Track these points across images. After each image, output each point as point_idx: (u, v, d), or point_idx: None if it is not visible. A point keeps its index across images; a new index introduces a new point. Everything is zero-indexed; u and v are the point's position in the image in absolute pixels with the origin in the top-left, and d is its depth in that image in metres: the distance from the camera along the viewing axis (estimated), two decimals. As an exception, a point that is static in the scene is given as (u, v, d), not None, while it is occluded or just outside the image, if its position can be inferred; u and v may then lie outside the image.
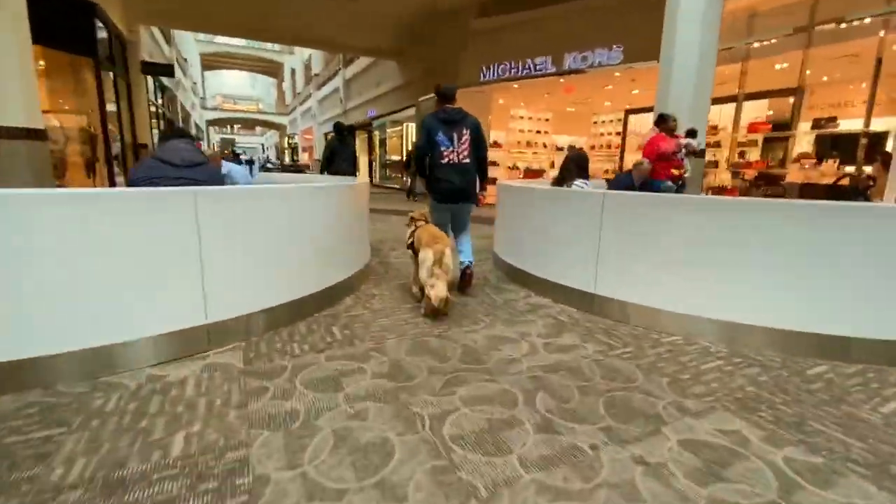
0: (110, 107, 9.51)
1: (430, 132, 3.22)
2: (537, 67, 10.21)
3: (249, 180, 4.88)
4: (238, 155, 20.20)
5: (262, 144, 58.33)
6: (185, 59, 26.08)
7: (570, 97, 12.57)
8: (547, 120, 15.38)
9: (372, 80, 19.06)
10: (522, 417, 1.89)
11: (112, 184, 8.55)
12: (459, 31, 11.57)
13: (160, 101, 15.67)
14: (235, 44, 46.09)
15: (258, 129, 62.62)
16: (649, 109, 6.82)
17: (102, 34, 8.94)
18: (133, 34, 10.83)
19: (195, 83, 34.24)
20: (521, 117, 14.68)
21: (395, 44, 14.89)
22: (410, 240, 3.27)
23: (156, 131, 13.21)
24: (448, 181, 3.27)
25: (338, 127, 7.05)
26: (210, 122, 43.46)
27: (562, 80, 10.23)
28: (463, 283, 3.50)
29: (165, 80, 16.38)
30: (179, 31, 25.91)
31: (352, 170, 6.89)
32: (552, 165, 15.80)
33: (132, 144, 11.21)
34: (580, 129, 15.90)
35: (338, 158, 6.68)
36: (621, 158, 12.86)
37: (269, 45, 49.97)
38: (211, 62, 45.41)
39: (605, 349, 2.64)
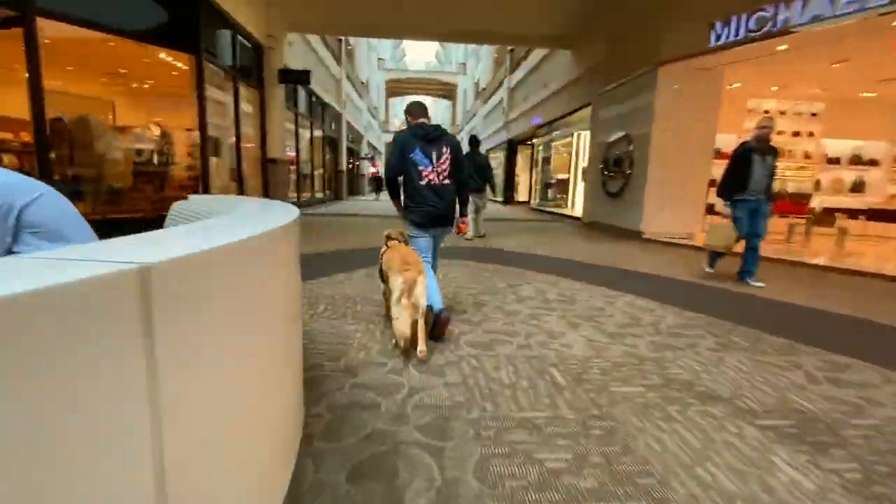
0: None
1: (405, 149, 2.78)
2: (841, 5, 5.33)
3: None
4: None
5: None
6: (363, 83, 27.29)
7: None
8: (814, 115, 9.61)
9: (538, 82, 15.81)
10: None
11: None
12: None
13: (315, 116, 15.33)
14: (416, 69, 49.26)
15: (433, 150, 65.84)
16: None
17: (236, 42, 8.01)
18: (270, 39, 9.86)
19: (376, 107, 36.48)
20: (766, 112, 9.35)
21: (562, 23, 11.25)
22: (380, 264, 2.89)
23: (290, 144, 12.43)
24: (431, 205, 2.82)
25: (472, 139, 7.19)
26: (388, 145, 46.32)
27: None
28: (436, 330, 2.68)
29: (327, 97, 16.16)
30: (359, 54, 27.38)
31: (479, 184, 7.12)
32: (817, 187, 9.89)
33: (261, 158, 10.27)
34: (872, 127, 9.54)
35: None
36: None
37: (446, 68, 52.38)
38: (395, 88, 49.21)
39: None
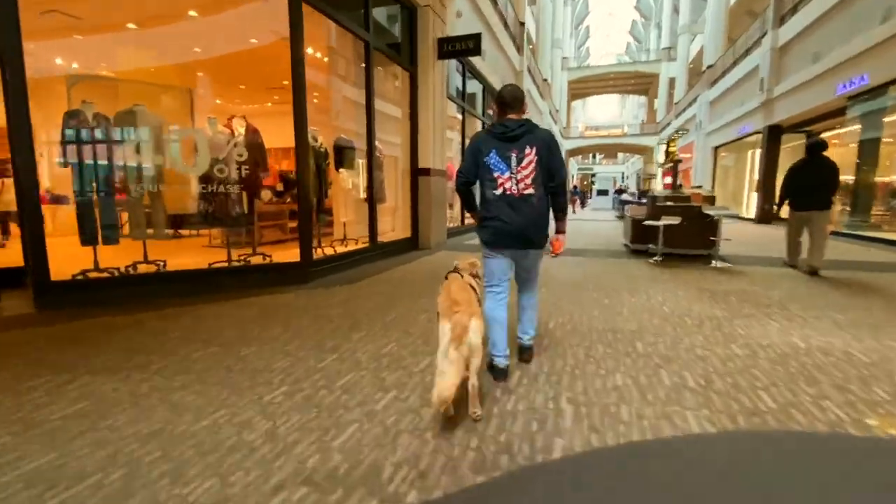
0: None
1: (479, 152, 2.25)
2: None
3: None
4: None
5: (623, 173, 52.88)
6: (546, 80, 23.37)
7: None
8: None
9: (843, 21, 9.18)
10: None
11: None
12: None
13: (488, 116, 11.98)
14: (605, 63, 42.99)
15: (619, 156, 57.87)
16: None
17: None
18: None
19: (557, 110, 32.14)
20: None
21: None
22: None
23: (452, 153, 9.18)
24: (500, 219, 2.22)
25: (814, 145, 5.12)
26: (570, 152, 41.66)
27: None
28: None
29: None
30: (541, 51, 23.53)
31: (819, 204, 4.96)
32: None
33: (409, 170, 7.19)
34: None
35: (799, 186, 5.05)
36: None
37: (643, 57, 44.49)
38: (579, 90, 43.92)
39: None
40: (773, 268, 5.52)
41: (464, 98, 9.62)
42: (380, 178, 6.56)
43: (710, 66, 20.43)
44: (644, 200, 9.38)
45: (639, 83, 41.09)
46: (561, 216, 2.39)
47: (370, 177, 6.04)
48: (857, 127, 9.75)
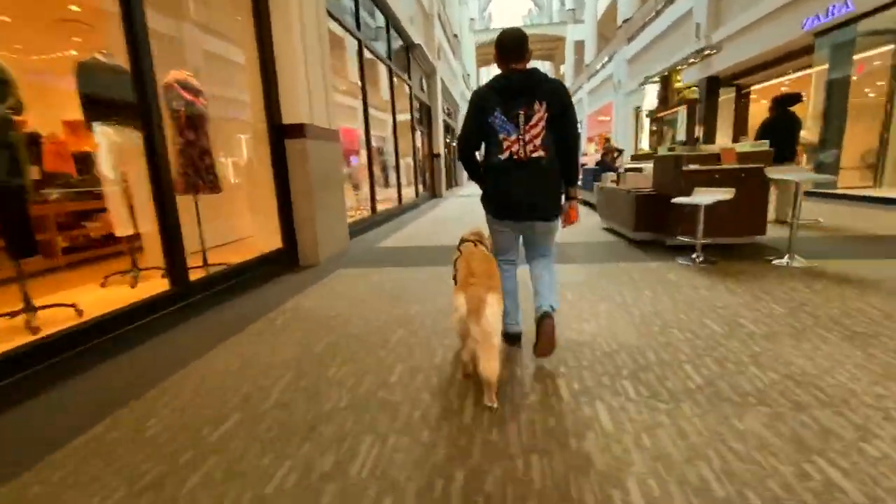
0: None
1: (481, 111, 1.90)
2: None
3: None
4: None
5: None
6: (456, 36, 20.57)
7: None
8: None
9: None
10: None
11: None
12: None
13: (397, 62, 9.02)
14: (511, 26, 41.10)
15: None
16: None
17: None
18: None
19: (468, 74, 29.66)
20: None
21: None
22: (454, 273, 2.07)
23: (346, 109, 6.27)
24: (507, 188, 1.95)
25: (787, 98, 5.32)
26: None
27: None
28: (540, 342, 1.86)
29: (416, 36, 9.69)
30: (450, 3, 20.59)
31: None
32: None
33: (268, 128, 4.07)
34: None
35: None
36: None
37: (546, 19, 43.45)
38: (486, 55, 41.83)
39: None
40: (878, 261, 3.49)
41: (358, 26, 6.48)
42: (200, 146, 3.38)
43: (626, 21, 19.16)
44: (618, 169, 7.16)
45: (544, 48, 40.09)
46: (574, 181, 2.06)
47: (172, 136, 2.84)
48: (823, 67, 8.45)
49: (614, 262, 3.76)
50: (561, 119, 1.86)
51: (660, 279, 3.18)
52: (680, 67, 8.01)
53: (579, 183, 6.02)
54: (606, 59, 22.55)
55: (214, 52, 5.06)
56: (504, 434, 1.44)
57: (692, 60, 12.34)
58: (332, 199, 4.58)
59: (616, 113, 20.87)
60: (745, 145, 4.19)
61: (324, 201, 4.34)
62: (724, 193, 3.51)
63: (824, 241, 4.30)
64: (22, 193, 2.42)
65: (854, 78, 7.90)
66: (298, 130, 3.99)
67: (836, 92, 8.12)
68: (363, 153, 7.07)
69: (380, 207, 7.67)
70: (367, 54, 6.78)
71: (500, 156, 1.89)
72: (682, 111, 14.19)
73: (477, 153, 2.05)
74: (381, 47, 7.96)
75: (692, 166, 4.01)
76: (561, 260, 3.84)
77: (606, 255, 4.11)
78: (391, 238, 5.79)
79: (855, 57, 7.86)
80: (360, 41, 6.44)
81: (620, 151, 9.87)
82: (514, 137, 1.86)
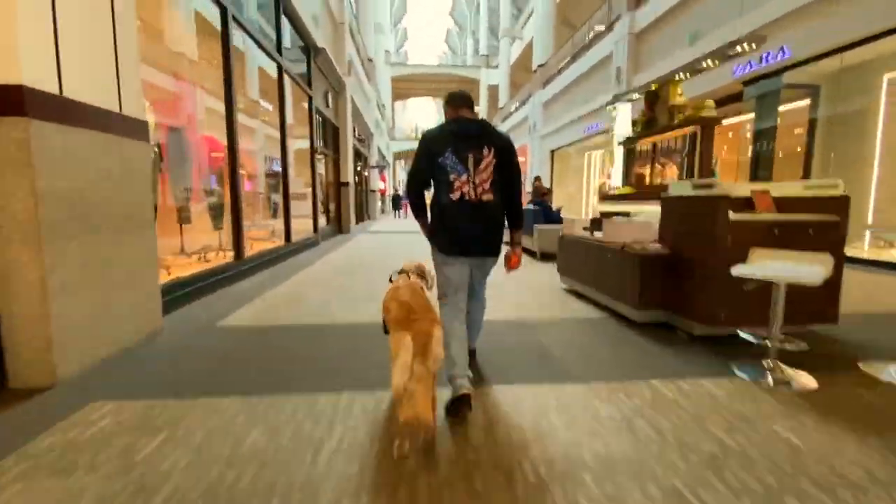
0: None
1: (433, 151, 1.97)
2: None
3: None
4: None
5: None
6: (371, 60, 19.12)
7: None
8: None
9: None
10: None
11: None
12: None
13: (295, 62, 7.05)
14: (428, 63, 41.24)
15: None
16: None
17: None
18: None
19: (383, 105, 28.37)
20: None
21: None
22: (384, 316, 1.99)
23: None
24: (459, 225, 1.98)
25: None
26: (396, 155, 38.63)
27: None
28: (454, 407, 1.81)
29: (320, 40, 7.80)
30: (364, 29, 19.20)
31: None
32: None
33: None
34: None
35: None
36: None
37: (461, 62, 44.42)
38: (402, 90, 41.36)
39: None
40: None
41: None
42: None
43: (541, 65, 19.37)
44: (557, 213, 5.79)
45: (460, 88, 40.81)
46: (518, 227, 2.21)
47: None
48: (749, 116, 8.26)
49: (642, 380, 2.11)
50: (508, 167, 1.99)
51: (742, 423, 1.56)
52: (679, 78, 7.21)
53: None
54: (519, 103, 22.77)
55: None
56: None
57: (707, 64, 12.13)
58: (123, 247, 2.38)
59: (532, 154, 20.80)
60: (795, 186, 2.90)
61: (89, 253, 2.14)
62: (818, 263, 2.09)
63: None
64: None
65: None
66: (7, 100, 1.82)
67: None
68: (226, 168, 4.85)
69: (256, 247, 5.42)
70: (235, 33, 4.72)
71: (451, 195, 1.94)
72: (677, 136, 13.92)
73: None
74: (265, 35, 5.95)
75: (739, 216, 2.60)
76: (551, 374, 2.11)
77: (612, 355, 2.46)
78: (257, 301, 3.64)
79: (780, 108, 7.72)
80: (224, 8, 4.38)
81: (549, 190, 8.84)
82: (464, 178, 1.92)
